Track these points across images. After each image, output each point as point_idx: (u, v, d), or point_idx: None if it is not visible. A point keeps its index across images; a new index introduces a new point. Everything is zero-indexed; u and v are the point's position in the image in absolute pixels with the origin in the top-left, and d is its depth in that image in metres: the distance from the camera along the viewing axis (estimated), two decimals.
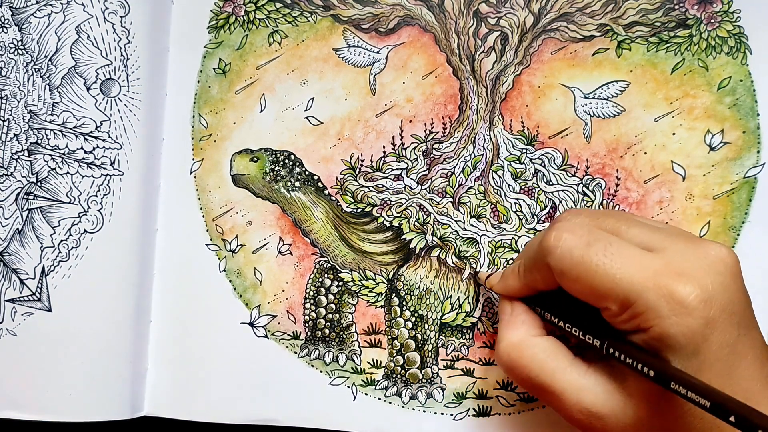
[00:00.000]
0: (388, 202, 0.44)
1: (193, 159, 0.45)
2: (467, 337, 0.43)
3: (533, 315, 0.36)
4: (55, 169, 0.43)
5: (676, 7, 0.42)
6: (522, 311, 0.37)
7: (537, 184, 0.43)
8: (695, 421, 0.31)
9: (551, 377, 0.33)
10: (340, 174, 0.44)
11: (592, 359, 0.34)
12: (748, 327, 0.31)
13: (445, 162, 0.43)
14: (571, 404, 0.32)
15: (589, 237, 0.32)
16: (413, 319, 0.43)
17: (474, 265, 0.43)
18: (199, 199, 0.45)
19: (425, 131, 0.43)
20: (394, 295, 0.43)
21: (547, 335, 0.35)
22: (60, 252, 0.43)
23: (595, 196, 0.42)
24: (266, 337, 0.44)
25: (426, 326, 0.43)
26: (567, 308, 0.35)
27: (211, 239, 0.45)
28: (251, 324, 0.44)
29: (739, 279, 0.31)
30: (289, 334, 0.44)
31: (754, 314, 0.32)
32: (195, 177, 0.45)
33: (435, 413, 0.43)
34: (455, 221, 0.43)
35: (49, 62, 0.43)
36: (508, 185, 0.43)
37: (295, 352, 0.44)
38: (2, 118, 0.43)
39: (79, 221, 0.43)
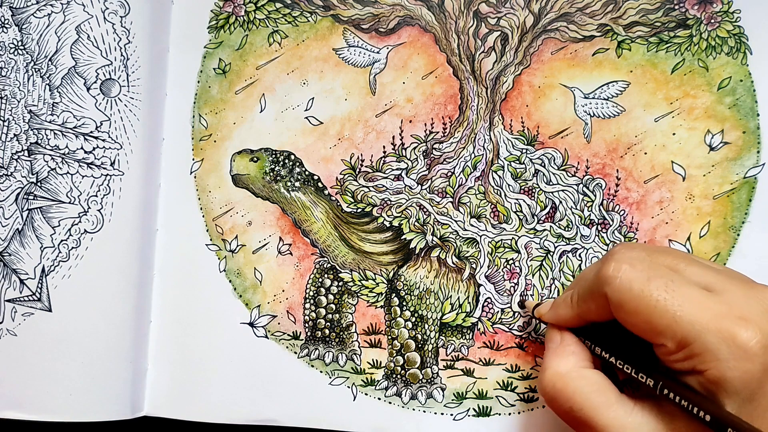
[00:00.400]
0: (388, 202, 0.44)
1: (193, 159, 0.45)
2: (467, 337, 0.43)
3: (582, 347, 0.36)
4: (55, 169, 0.43)
5: (676, 7, 0.42)
6: (571, 342, 0.36)
7: (537, 184, 0.43)
8: None
9: (595, 412, 0.32)
10: (340, 174, 0.44)
11: (639, 398, 0.33)
12: None
13: (445, 162, 0.43)
14: None
15: (650, 272, 0.31)
16: (413, 319, 0.43)
17: (523, 295, 0.43)
18: (199, 199, 0.45)
19: (425, 131, 0.43)
20: (394, 295, 0.43)
21: (594, 369, 0.35)
22: (60, 252, 0.43)
23: (595, 196, 0.42)
24: (266, 337, 0.44)
25: (426, 326, 0.43)
26: (618, 343, 0.34)
27: (211, 239, 0.45)
28: (251, 324, 0.44)
29: None
30: (289, 334, 0.44)
31: None
32: (195, 177, 0.45)
33: (435, 413, 0.43)
34: (455, 221, 0.43)
35: (49, 62, 0.43)
36: (508, 185, 0.43)
37: (295, 352, 0.44)
38: (2, 118, 0.43)
39: (79, 221, 0.43)
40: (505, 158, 0.43)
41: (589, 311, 0.35)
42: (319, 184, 0.44)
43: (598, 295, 0.33)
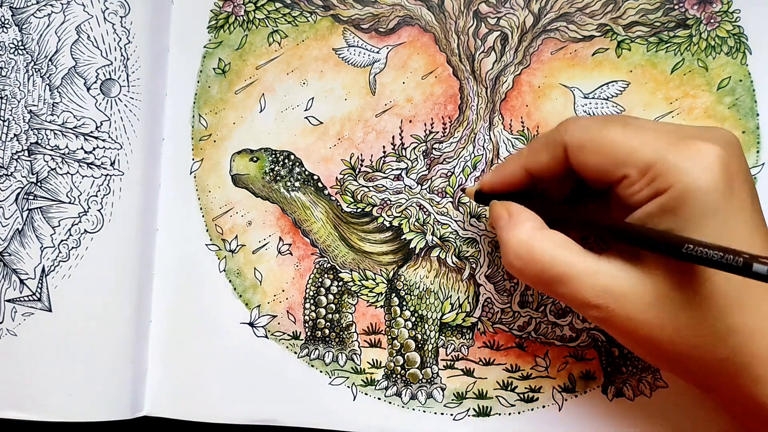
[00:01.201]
0: (388, 202, 0.44)
1: (193, 159, 0.45)
2: (467, 337, 0.43)
3: (533, 213, 0.35)
4: (55, 169, 0.43)
5: (676, 7, 0.42)
6: (520, 209, 0.35)
7: None
8: (717, 289, 0.30)
9: (566, 265, 0.32)
10: (340, 174, 0.44)
11: (601, 251, 0.33)
12: (756, 199, 0.32)
13: (445, 162, 0.43)
14: (587, 288, 0.32)
15: (605, 118, 0.33)
16: (413, 319, 0.43)
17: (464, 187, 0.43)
18: (199, 199, 0.45)
19: (425, 131, 0.43)
20: (394, 295, 0.43)
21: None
22: (60, 252, 0.43)
23: None
24: (266, 337, 0.44)
25: (426, 326, 0.43)
26: (568, 202, 0.35)
27: (211, 239, 0.45)
28: (251, 324, 0.44)
29: (744, 156, 0.32)
30: (289, 334, 0.44)
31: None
32: (195, 177, 0.45)
33: (435, 413, 0.43)
34: (455, 221, 0.43)
35: (49, 62, 0.43)
36: None
37: (295, 352, 0.44)
38: (2, 118, 0.43)
39: (79, 221, 0.43)
40: (505, 158, 0.43)
41: (539, 162, 0.35)
42: (319, 184, 0.44)
43: (554, 144, 0.34)
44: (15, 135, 0.43)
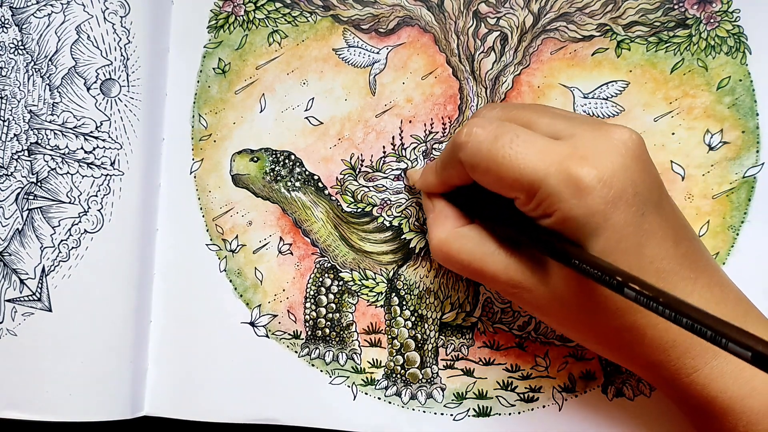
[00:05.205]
0: (388, 202, 0.44)
1: (193, 159, 0.45)
2: (467, 337, 0.43)
3: (454, 208, 0.37)
4: (55, 169, 0.43)
5: (676, 6, 0.42)
6: (443, 206, 0.38)
7: None
8: (605, 300, 0.32)
9: (482, 262, 0.35)
10: (340, 174, 0.44)
11: (517, 246, 0.35)
12: (656, 206, 0.32)
13: None
14: (503, 281, 0.35)
15: (497, 130, 0.33)
16: (413, 318, 0.43)
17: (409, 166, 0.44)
18: (199, 199, 0.45)
19: (425, 131, 0.44)
20: (394, 294, 0.43)
21: (471, 223, 0.37)
22: (60, 252, 0.43)
23: None
24: (267, 336, 0.44)
25: (426, 326, 0.43)
26: (486, 200, 0.36)
27: (211, 239, 0.45)
28: (252, 324, 0.44)
29: (642, 160, 0.32)
30: (289, 334, 0.44)
31: (668, 195, 0.33)
32: (195, 177, 0.45)
33: (435, 413, 0.43)
34: None
35: (49, 62, 0.43)
36: None
37: (296, 352, 0.44)
38: (2, 118, 0.43)
39: (79, 221, 0.43)
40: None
41: (451, 177, 0.36)
42: (320, 184, 0.44)
43: (455, 161, 0.34)
44: (15, 135, 0.43)
